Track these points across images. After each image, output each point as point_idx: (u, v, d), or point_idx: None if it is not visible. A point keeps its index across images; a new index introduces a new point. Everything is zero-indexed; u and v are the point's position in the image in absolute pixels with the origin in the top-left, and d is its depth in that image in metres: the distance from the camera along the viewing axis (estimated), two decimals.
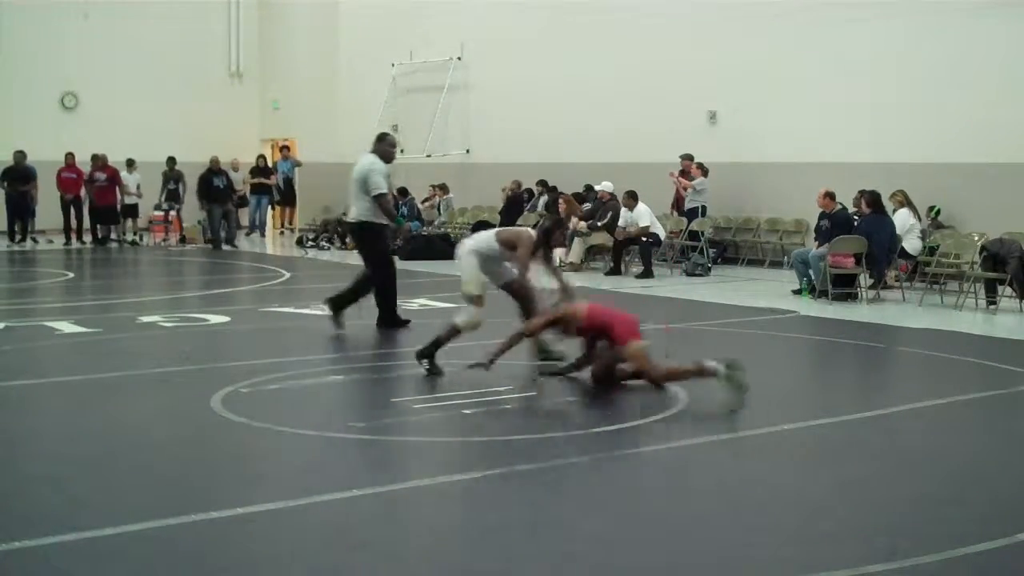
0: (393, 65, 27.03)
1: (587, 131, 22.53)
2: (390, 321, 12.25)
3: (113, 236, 24.88)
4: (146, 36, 28.20)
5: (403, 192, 24.20)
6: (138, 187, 25.24)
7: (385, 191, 12.35)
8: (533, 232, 9.80)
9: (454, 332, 9.50)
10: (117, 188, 24.57)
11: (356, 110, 28.20)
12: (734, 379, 8.31)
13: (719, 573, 5.16)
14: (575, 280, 17.75)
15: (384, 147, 12.63)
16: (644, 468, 6.90)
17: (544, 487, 6.46)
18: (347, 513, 5.96)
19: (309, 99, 29.35)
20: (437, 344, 9.42)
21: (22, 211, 24.20)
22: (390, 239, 12.84)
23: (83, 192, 24.62)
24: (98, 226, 24.68)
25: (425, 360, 9.36)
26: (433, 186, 25.33)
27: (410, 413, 8.15)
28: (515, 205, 22.66)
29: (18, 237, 24.08)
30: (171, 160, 25.66)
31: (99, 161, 24.46)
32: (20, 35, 26.64)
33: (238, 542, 5.51)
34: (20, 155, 24.08)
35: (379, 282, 12.26)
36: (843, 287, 15.21)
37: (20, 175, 23.97)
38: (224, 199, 24.38)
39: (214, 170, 24.52)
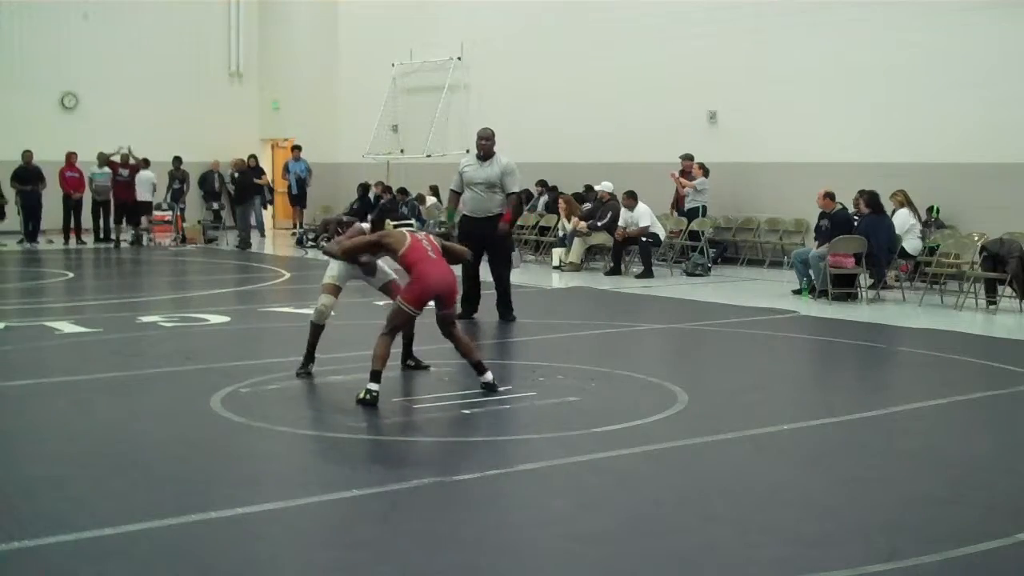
0: (393, 65, 27.02)
1: (587, 131, 22.53)
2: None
3: (114, 236, 24.88)
4: (146, 36, 28.16)
5: (403, 192, 24.18)
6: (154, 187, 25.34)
7: (452, 187, 13.21)
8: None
9: (313, 329, 9.62)
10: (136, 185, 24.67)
11: (356, 110, 28.21)
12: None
13: (718, 572, 5.16)
14: (575, 280, 17.85)
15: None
16: (643, 468, 6.89)
17: (543, 487, 6.46)
18: (347, 513, 5.97)
19: (309, 99, 29.34)
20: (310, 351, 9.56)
21: (36, 211, 24.26)
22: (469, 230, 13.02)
23: (86, 191, 24.81)
24: (122, 226, 24.74)
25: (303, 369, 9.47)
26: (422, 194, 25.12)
27: (410, 413, 8.16)
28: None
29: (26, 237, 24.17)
30: (177, 160, 25.70)
31: (124, 158, 24.60)
32: (20, 35, 26.60)
33: (238, 542, 5.51)
34: (28, 154, 24.16)
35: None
36: (843, 287, 15.21)
37: (33, 175, 24.05)
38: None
39: (241, 170, 24.97)
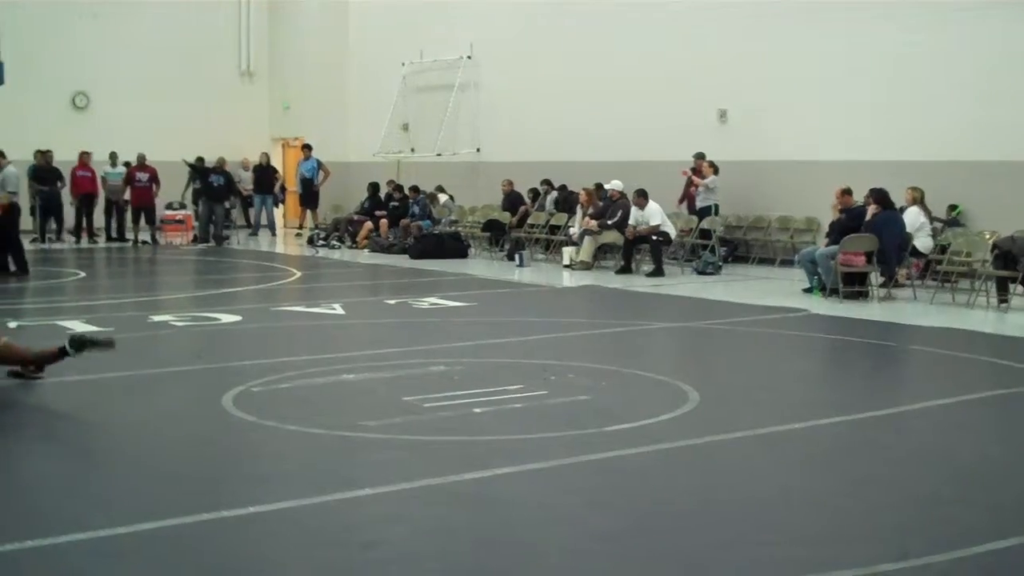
0: (403, 64, 27.06)
1: (597, 129, 22.52)
2: None
3: (130, 236, 25.00)
4: (156, 36, 28.24)
5: (415, 190, 24.21)
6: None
7: None
8: None
9: None
10: (154, 187, 24.73)
11: (366, 109, 28.25)
12: (86, 345, 9.06)
13: (728, 572, 5.16)
14: (586, 279, 17.84)
15: None
16: (654, 467, 6.90)
17: (554, 486, 6.47)
18: (358, 512, 5.98)
19: (320, 98, 29.38)
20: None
21: (56, 210, 24.44)
22: None
23: (99, 190, 25.04)
24: (140, 225, 24.83)
25: None
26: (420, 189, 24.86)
27: (420, 412, 8.17)
28: (514, 203, 22.81)
29: (51, 237, 24.33)
30: (200, 160, 25.79)
31: (139, 161, 24.70)
32: (31, 35, 26.61)
33: (249, 541, 5.53)
34: (48, 154, 24.41)
35: None
36: (854, 285, 15.18)
37: (52, 174, 24.24)
38: (220, 197, 25.05)
39: (215, 169, 25.14)
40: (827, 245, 15.71)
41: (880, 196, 15.58)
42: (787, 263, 19.49)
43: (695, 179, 20.12)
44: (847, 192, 15.91)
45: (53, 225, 24.59)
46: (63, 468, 6.87)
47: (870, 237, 15.11)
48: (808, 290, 15.70)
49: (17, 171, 21.75)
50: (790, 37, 19.68)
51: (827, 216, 17.09)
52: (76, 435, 7.78)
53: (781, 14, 19.75)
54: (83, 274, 18.59)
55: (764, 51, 19.96)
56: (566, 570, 5.19)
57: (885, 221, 15.36)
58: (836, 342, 12.19)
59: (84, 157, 24.87)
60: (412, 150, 26.79)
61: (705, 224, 19.63)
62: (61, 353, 9.17)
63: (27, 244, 23.09)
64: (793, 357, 11.46)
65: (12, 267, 17.43)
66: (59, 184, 24.34)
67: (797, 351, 11.80)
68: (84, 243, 24.55)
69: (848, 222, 15.45)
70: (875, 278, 15.57)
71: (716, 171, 19.92)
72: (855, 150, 18.62)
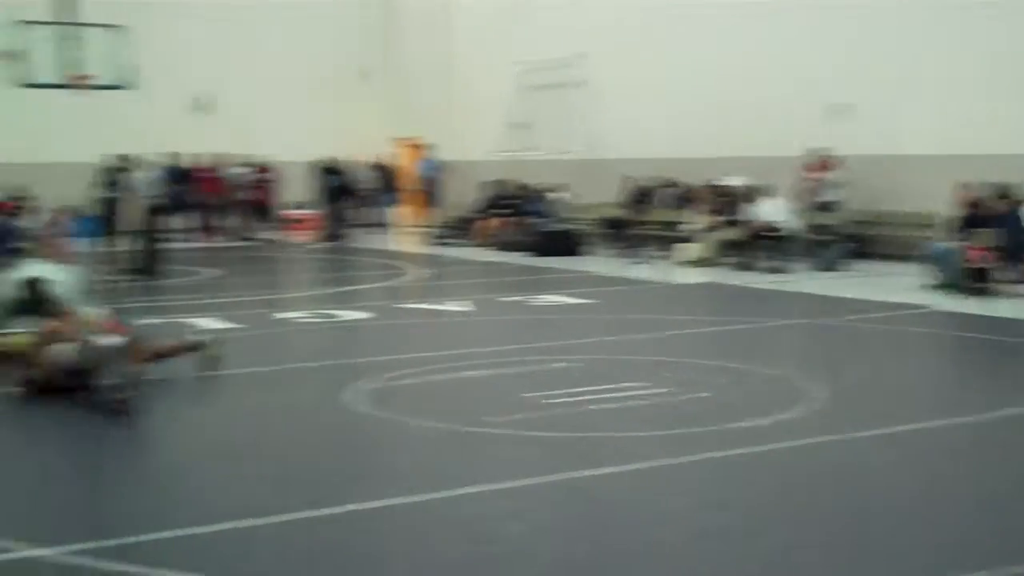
0: (517, 63, 27.17)
1: (716, 125, 22.33)
2: None
3: (248, 234, 25.59)
4: (276, 38, 28.76)
5: (533, 188, 24.29)
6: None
7: None
8: None
9: None
10: (274, 186, 25.29)
11: (483, 108, 28.40)
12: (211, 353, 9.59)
13: (845, 571, 5.13)
14: (705, 275, 17.74)
15: None
16: (769, 466, 6.85)
17: (668, 484, 6.48)
18: (477, 508, 6.05)
19: (437, 98, 29.64)
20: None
21: (188, 210, 25.29)
22: None
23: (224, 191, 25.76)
24: (263, 224, 25.45)
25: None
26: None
27: (541, 408, 8.22)
28: (635, 200, 22.89)
29: (175, 237, 25.17)
30: (325, 160, 26.17)
31: (258, 161, 25.30)
32: (156, 40, 27.17)
33: (369, 536, 5.65)
34: (180, 157, 25.29)
35: None
36: (980, 281, 14.85)
37: (183, 176, 25.17)
38: (342, 196, 25.49)
39: (336, 169, 25.59)
40: (952, 240, 15.41)
41: (1006, 191, 15.25)
42: (911, 259, 19.14)
43: (817, 174, 19.87)
44: (973, 187, 15.61)
45: (183, 225, 25.28)
46: (187, 461, 7.07)
47: (996, 232, 14.80)
48: (933, 286, 15.42)
49: (151, 174, 22.52)
50: (915, 32, 19.30)
51: (953, 211, 16.74)
52: (197, 430, 8.00)
53: (909, 5, 19.39)
54: (208, 273, 19.00)
55: (890, 43, 19.60)
56: (676, 568, 5.20)
57: (1012, 216, 15.04)
58: (961, 339, 11.97)
59: (210, 158, 25.50)
60: (529, 148, 26.88)
61: (827, 220, 19.38)
62: (195, 347, 9.58)
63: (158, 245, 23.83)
64: (917, 354, 11.28)
65: (143, 266, 17.97)
66: (190, 185, 25.03)
67: (921, 348, 11.61)
68: (210, 243, 25.12)
69: (974, 217, 15.15)
70: (1001, 274, 15.22)
71: (839, 166, 19.66)
72: (981, 144, 18.19)
